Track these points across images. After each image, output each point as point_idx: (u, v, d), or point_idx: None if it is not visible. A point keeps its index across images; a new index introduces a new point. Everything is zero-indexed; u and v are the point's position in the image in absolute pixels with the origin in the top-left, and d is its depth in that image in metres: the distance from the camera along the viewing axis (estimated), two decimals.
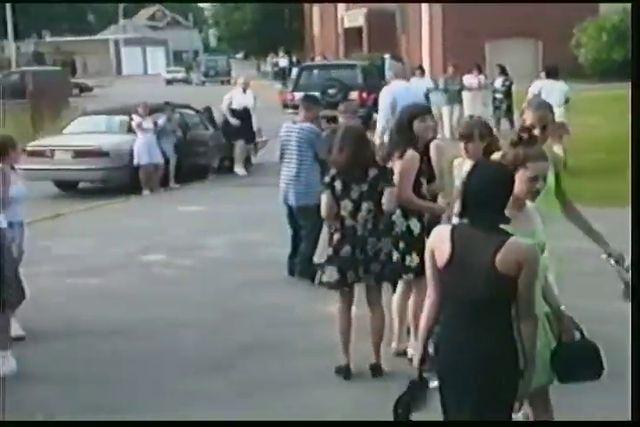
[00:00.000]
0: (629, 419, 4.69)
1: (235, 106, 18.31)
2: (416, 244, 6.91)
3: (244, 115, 18.33)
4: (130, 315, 8.84)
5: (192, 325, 8.49)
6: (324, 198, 6.89)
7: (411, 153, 6.94)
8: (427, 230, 6.81)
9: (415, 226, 7.01)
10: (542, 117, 6.04)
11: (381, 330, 6.99)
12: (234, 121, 18.20)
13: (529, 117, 6.05)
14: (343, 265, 6.80)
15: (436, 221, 6.68)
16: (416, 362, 4.53)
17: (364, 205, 6.78)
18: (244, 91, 18.57)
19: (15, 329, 8.11)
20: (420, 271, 6.94)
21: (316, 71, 29.18)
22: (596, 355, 4.75)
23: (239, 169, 18.30)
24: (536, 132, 5.69)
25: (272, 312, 8.78)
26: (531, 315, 4.26)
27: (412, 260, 6.99)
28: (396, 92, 12.02)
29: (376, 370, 6.92)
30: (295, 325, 8.28)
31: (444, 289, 4.33)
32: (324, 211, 6.94)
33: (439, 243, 4.33)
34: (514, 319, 4.22)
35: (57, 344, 8.05)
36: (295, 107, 25.44)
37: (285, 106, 31.76)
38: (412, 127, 7.00)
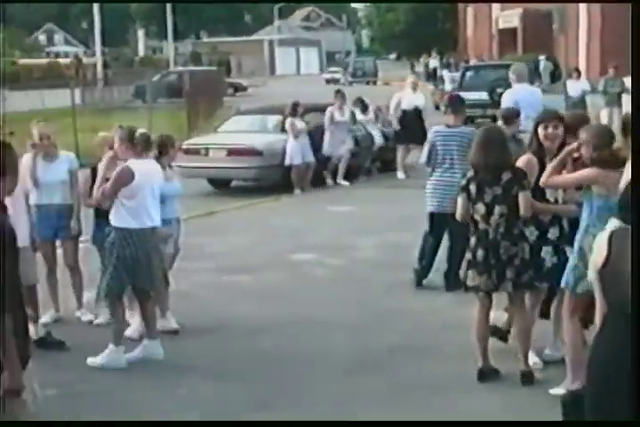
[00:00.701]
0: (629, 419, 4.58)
1: (404, 106, 17.95)
2: (530, 251, 6.85)
3: (414, 115, 18.09)
4: (279, 313, 8.91)
5: (340, 325, 8.51)
6: (460, 201, 6.91)
7: (524, 158, 6.97)
8: (568, 236, 6.78)
9: (532, 233, 6.91)
10: None
11: (526, 337, 6.86)
12: (395, 125, 18.06)
13: None
14: (479, 269, 6.77)
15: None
16: None
17: (497, 209, 6.72)
18: (414, 90, 18.30)
19: (170, 323, 8.30)
20: None
21: (479, 71, 29.47)
22: None
23: (400, 173, 18.04)
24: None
25: (420, 315, 8.72)
26: None
27: None
28: (518, 96, 11.87)
29: (526, 377, 6.79)
30: (442, 328, 8.21)
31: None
32: (458, 214, 6.96)
33: (600, 248, 4.21)
34: None
35: (207, 340, 8.18)
36: None
37: (437, 107, 31.62)
38: (537, 133, 7.01)
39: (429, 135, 9.81)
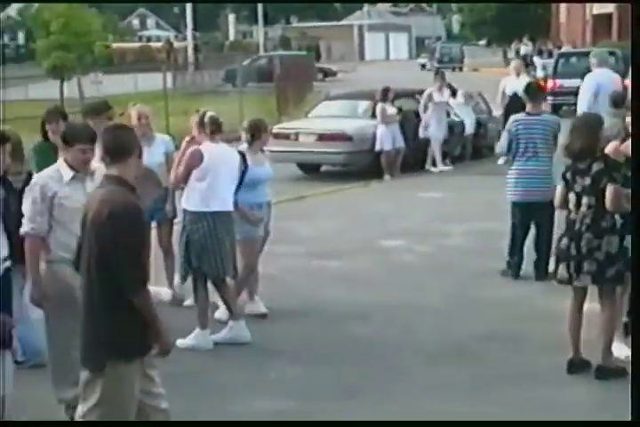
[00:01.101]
0: (629, 419, 4.61)
1: (507, 92, 17.39)
2: None
3: (517, 101, 17.54)
4: (366, 299, 8.90)
5: (427, 311, 8.49)
6: (558, 189, 6.85)
7: (612, 144, 6.91)
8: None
9: (617, 222, 6.75)
10: None
11: (609, 331, 6.73)
12: (495, 112, 17.81)
13: None
14: (561, 257, 6.71)
15: None
16: None
17: (584, 200, 6.61)
18: (518, 75, 17.77)
19: (259, 307, 8.34)
20: None
21: (573, 58, 29.05)
22: None
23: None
24: None
25: (507, 303, 8.63)
26: None
27: None
28: (599, 80, 11.68)
29: (600, 372, 6.67)
30: (530, 317, 8.12)
31: None
32: (556, 201, 6.91)
33: None
34: None
35: (295, 324, 8.22)
36: (556, 94, 24.86)
37: None
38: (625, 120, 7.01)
39: (508, 124, 9.61)
